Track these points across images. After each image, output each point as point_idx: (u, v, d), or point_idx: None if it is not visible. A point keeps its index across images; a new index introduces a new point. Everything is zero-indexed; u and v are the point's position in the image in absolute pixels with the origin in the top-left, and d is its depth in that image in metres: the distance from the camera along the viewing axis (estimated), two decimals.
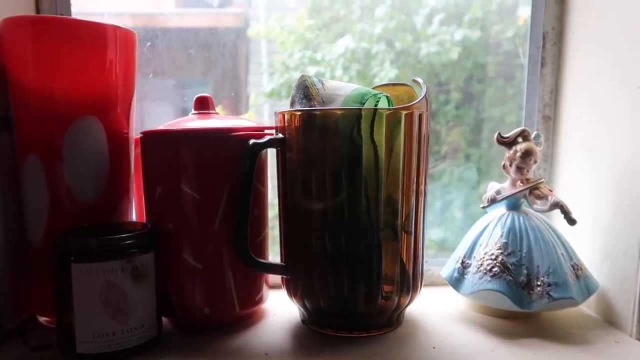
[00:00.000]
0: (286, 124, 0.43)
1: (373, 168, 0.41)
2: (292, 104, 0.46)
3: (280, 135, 0.44)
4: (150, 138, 0.45)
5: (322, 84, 0.44)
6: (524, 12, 0.87)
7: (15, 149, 0.45)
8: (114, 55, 0.45)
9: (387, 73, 0.98)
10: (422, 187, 0.44)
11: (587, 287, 0.46)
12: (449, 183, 0.85)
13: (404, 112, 0.41)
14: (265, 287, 0.49)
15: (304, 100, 0.44)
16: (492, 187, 0.51)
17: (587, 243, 0.50)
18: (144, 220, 0.50)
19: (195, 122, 0.47)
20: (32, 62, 0.42)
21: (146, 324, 0.41)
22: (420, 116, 0.42)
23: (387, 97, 0.43)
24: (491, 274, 0.44)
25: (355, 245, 0.42)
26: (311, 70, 1.03)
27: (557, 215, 0.49)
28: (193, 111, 0.49)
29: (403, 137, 0.41)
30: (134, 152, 0.50)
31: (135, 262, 0.40)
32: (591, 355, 0.40)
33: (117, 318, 0.39)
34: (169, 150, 0.44)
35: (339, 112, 0.41)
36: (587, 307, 0.50)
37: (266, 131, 0.47)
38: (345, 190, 0.41)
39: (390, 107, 0.44)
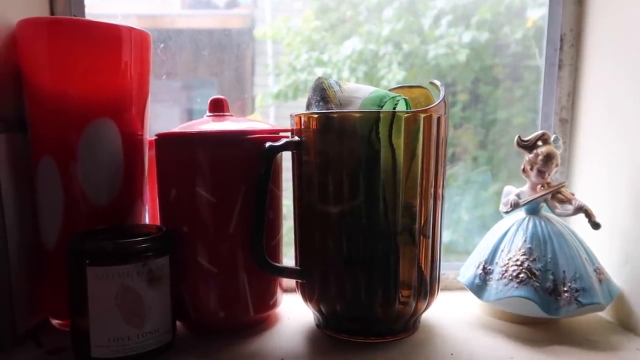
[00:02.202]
0: (303, 127, 0.43)
1: (391, 171, 0.40)
2: (308, 107, 0.45)
3: (296, 138, 0.43)
4: (166, 140, 0.45)
5: (339, 86, 0.43)
6: (533, 14, 0.87)
7: (30, 151, 0.45)
8: (128, 56, 0.45)
9: (394, 75, 0.98)
10: (439, 191, 0.43)
11: (609, 292, 0.45)
12: (458, 185, 0.84)
13: (422, 115, 0.40)
14: (279, 291, 0.48)
15: (320, 103, 0.43)
16: (509, 192, 0.50)
17: (605, 247, 0.49)
18: (158, 222, 0.50)
19: (210, 124, 0.46)
20: (48, 64, 0.42)
21: (161, 328, 0.40)
22: (438, 119, 0.41)
23: (405, 99, 0.43)
24: (518, 281, 0.44)
25: (373, 250, 0.41)
26: (318, 72, 1.03)
27: (575, 219, 0.49)
28: (208, 113, 0.48)
29: (421, 140, 0.40)
30: (147, 154, 0.49)
31: (150, 266, 0.39)
32: None
33: (132, 322, 0.39)
34: (184, 152, 0.43)
35: (357, 114, 0.40)
36: (604, 312, 0.49)
37: (281, 134, 0.46)
38: (363, 193, 0.40)
39: (409, 109, 0.43)
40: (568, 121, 0.55)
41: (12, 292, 0.43)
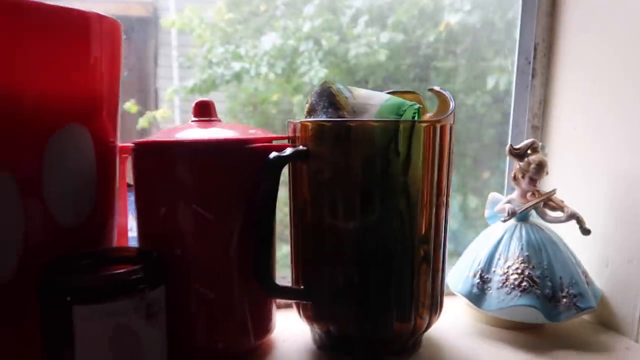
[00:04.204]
0: (311, 135, 0.39)
1: (409, 183, 0.38)
2: (310, 113, 0.42)
3: (301, 147, 0.40)
4: (150, 150, 0.39)
5: (350, 92, 0.40)
6: (447, 18, 0.91)
7: None
8: (98, 49, 0.38)
9: (316, 72, 0.97)
10: (449, 200, 0.42)
11: (594, 294, 0.47)
12: None
13: (439, 125, 0.39)
14: (274, 313, 0.44)
15: (329, 109, 0.40)
16: (496, 199, 0.51)
17: (585, 251, 0.51)
18: (126, 243, 0.44)
19: (195, 130, 0.41)
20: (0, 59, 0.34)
21: None
22: (450, 128, 0.40)
23: (419, 108, 0.41)
24: (520, 289, 0.44)
25: (388, 266, 0.39)
26: (235, 66, 0.99)
27: (558, 225, 0.50)
28: (193, 118, 0.43)
29: (438, 150, 0.39)
30: (119, 165, 0.42)
31: (148, 299, 0.34)
32: None
33: None
34: (174, 164, 0.38)
35: (376, 124, 0.38)
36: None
37: (274, 142, 0.42)
38: (379, 207, 0.38)
39: (429, 119, 0.41)
40: (539, 128, 0.58)
41: None
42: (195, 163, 0.38)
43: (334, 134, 0.38)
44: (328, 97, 0.40)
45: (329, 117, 0.40)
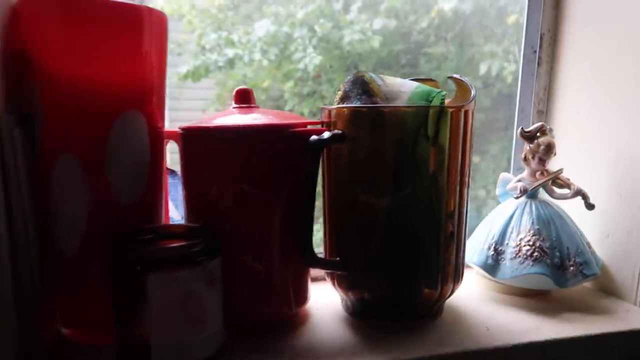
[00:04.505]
0: (346, 120, 0.43)
1: (438, 163, 0.42)
2: (343, 100, 0.45)
3: (338, 130, 0.43)
4: (200, 135, 0.42)
5: (382, 80, 0.44)
6: (440, 4, 0.94)
7: (39, 148, 0.39)
8: (149, 40, 0.41)
9: (311, 59, 0.99)
10: (469, 179, 0.46)
11: (596, 263, 0.52)
12: None
13: (463, 110, 0.43)
14: (309, 284, 0.48)
15: (363, 96, 0.43)
16: (507, 179, 0.55)
17: (587, 224, 0.56)
18: (168, 221, 0.48)
19: (238, 116, 0.44)
20: (63, 49, 0.37)
21: (219, 331, 0.39)
22: (473, 113, 0.44)
23: (445, 95, 0.45)
24: (532, 259, 0.48)
25: (418, 239, 0.43)
26: (229, 53, 1.01)
27: (562, 202, 0.55)
28: (234, 105, 0.46)
29: (462, 133, 0.43)
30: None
31: (210, 268, 0.37)
32: (620, 323, 0.47)
33: (194, 328, 0.37)
34: (224, 147, 0.41)
35: (407, 109, 0.41)
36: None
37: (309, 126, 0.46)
38: (410, 186, 0.42)
39: (454, 105, 0.45)
40: (544, 112, 0.62)
41: (27, 306, 0.38)
42: (243, 146, 0.41)
43: (369, 119, 0.42)
44: (362, 85, 0.44)
45: (363, 104, 0.43)
